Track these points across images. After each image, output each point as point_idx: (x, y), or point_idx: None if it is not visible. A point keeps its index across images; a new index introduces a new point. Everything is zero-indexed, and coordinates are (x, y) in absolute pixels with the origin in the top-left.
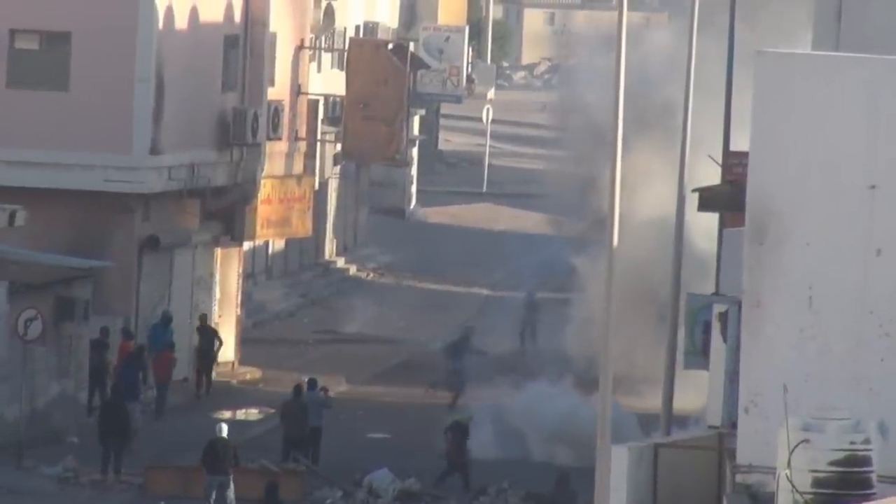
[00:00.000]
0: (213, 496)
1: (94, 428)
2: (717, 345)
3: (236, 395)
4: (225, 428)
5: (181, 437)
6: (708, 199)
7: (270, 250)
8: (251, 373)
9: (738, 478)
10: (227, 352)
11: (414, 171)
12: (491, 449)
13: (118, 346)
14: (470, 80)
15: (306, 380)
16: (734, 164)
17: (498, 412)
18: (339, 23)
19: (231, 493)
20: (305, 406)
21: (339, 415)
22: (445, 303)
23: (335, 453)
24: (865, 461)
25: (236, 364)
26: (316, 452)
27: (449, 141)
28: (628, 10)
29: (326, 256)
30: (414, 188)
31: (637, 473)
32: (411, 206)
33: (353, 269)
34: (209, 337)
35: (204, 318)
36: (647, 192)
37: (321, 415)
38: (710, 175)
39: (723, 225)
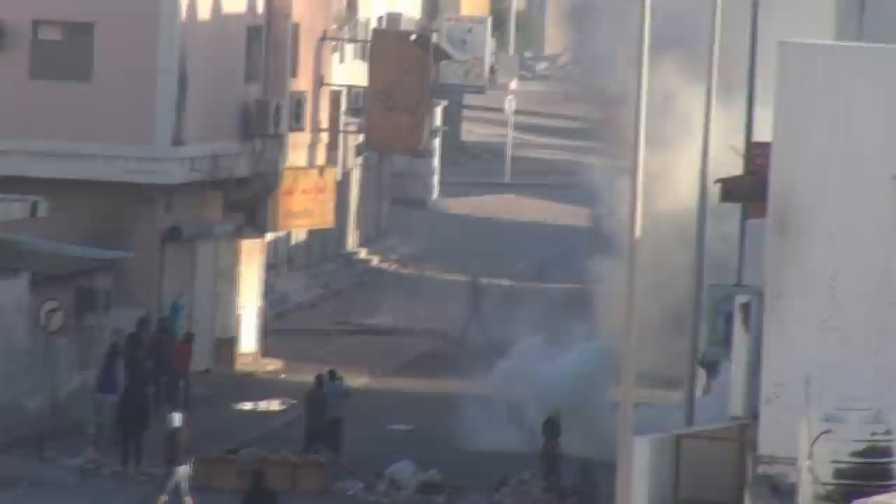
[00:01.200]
0: (176, 486)
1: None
2: (739, 336)
3: (258, 386)
4: (178, 417)
5: (203, 428)
6: (731, 190)
7: (293, 241)
8: (273, 364)
9: (760, 469)
10: (250, 342)
11: (436, 161)
12: (511, 441)
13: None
14: (493, 70)
15: (326, 371)
16: (757, 154)
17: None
18: (362, 13)
19: (186, 484)
20: (326, 397)
21: (360, 406)
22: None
23: (357, 445)
24: (887, 452)
25: (258, 355)
26: (338, 443)
27: (471, 132)
28: None
29: (349, 247)
30: (436, 179)
31: (659, 465)
32: (434, 197)
33: (375, 260)
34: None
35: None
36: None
37: (343, 406)
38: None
39: (745, 216)
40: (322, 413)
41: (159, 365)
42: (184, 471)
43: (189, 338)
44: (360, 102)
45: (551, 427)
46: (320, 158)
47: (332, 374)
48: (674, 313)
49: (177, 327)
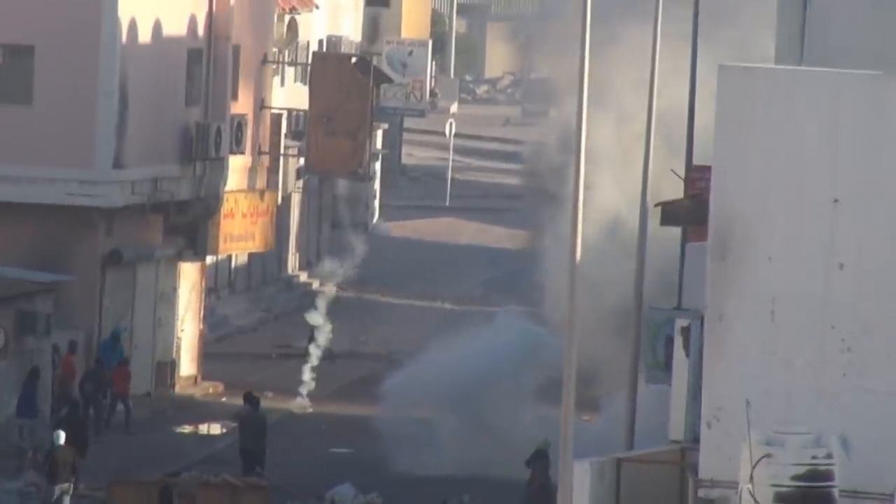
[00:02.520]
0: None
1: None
2: (679, 359)
3: (198, 410)
4: (62, 436)
5: (143, 451)
6: (671, 213)
7: (233, 264)
8: (213, 387)
9: (701, 492)
10: (190, 366)
11: (377, 185)
12: (451, 465)
13: (61, 360)
14: (433, 93)
15: (244, 395)
16: (697, 178)
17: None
18: (303, 37)
19: (68, 500)
20: (262, 417)
21: (301, 429)
22: (408, 317)
23: (298, 468)
24: (827, 475)
25: (199, 378)
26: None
27: (412, 155)
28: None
29: (289, 271)
30: (377, 202)
31: (599, 488)
32: (374, 221)
33: (315, 284)
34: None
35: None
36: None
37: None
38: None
39: (685, 239)
40: (259, 434)
41: (98, 388)
42: (65, 488)
43: (126, 361)
44: (301, 126)
45: (541, 458)
46: (261, 182)
47: (247, 397)
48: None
49: (118, 352)
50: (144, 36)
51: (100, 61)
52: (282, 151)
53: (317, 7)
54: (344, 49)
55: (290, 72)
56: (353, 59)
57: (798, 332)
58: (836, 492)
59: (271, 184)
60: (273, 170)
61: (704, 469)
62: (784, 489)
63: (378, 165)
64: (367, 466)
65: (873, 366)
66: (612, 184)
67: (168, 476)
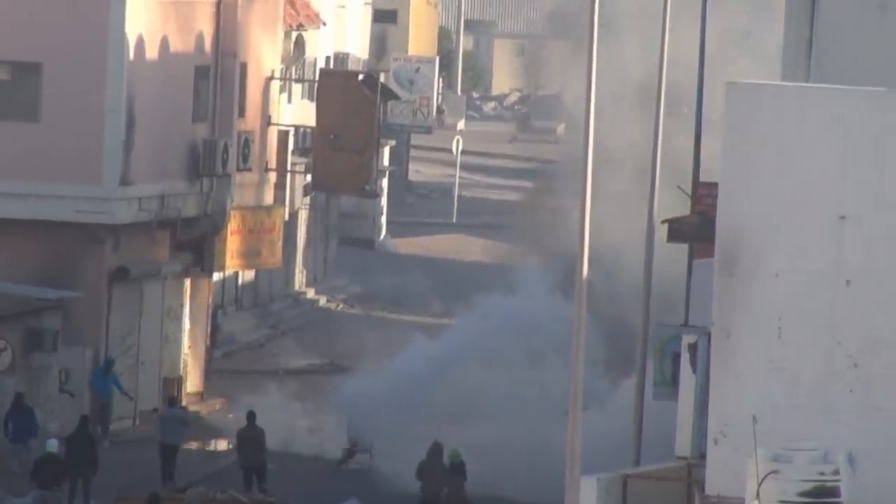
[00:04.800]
0: None
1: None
2: (686, 375)
3: (204, 427)
4: (55, 443)
5: (149, 467)
6: (677, 230)
7: (240, 281)
8: (219, 403)
9: None
10: (196, 382)
11: (384, 201)
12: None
13: None
14: (440, 110)
15: (165, 398)
16: (704, 194)
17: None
18: (310, 53)
19: None
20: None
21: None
22: (415, 333)
23: (308, 483)
24: (834, 492)
25: (205, 395)
26: (172, 469)
27: (419, 172)
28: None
29: (296, 287)
30: (384, 219)
31: None
32: (381, 237)
33: (322, 300)
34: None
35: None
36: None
37: (182, 433)
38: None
39: (692, 256)
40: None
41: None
42: (52, 496)
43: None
44: (308, 142)
45: (456, 470)
46: (268, 198)
47: (171, 400)
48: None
49: (108, 381)
50: (152, 53)
51: (107, 78)
52: (288, 168)
53: (324, 24)
54: (351, 66)
55: (297, 88)
56: (360, 76)
57: (805, 348)
58: None
59: (278, 200)
60: (280, 186)
61: (711, 485)
62: None
63: (385, 182)
64: (377, 480)
65: (880, 382)
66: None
67: (174, 492)
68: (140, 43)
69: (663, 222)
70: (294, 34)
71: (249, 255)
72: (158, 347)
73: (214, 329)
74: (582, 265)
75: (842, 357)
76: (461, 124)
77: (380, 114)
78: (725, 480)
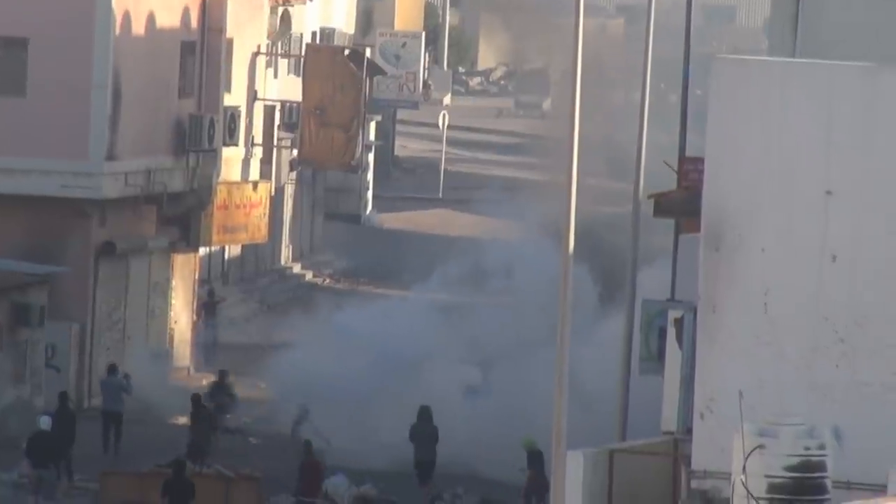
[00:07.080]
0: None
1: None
2: (672, 350)
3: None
4: (48, 420)
5: (136, 442)
6: (663, 205)
7: (227, 256)
8: (206, 378)
9: (694, 483)
10: (183, 357)
11: (370, 176)
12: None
13: None
14: (426, 85)
15: (108, 364)
16: (690, 169)
17: None
18: (296, 29)
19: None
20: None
21: (300, 419)
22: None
23: (295, 460)
24: (820, 466)
25: (192, 370)
26: (118, 436)
27: (405, 147)
28: (584, 15)
29: (282, 262)
30: (370, 194)
31: (592, 479)
32: (367, 212)
33: (309, 275)
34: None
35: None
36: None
37: (121, 399)
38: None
39: (678, 231)
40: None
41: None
42: (48, 474)
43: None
44: (294, 117)
45: (535, 458)
46: (254, 173)
47: (111, 368)
48: None
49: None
50: (138, 28)
51: (93, 53)
52: (275, 143)
53: None
54: (337, 41)
55: (283, 64)
56: (347, 52)
57: (791, 323)
58: (828, 483)
59: (264, 175)
60: (266, 161)
61: (697, 460)
62: (777, 480)
63: (371, 157)
64: (363, 456)
65: (866, 357)
66: None
67: (160, 468)
68: (126, 18)
69: (649, 197)
70: (280, 9)
71: (236, 230)
72: (145, 322)
73: (211, 304)
74: (567, 243)
75: (828, 332)
76: (447, 99)
77: (366, 89)
78: (711, 455)
